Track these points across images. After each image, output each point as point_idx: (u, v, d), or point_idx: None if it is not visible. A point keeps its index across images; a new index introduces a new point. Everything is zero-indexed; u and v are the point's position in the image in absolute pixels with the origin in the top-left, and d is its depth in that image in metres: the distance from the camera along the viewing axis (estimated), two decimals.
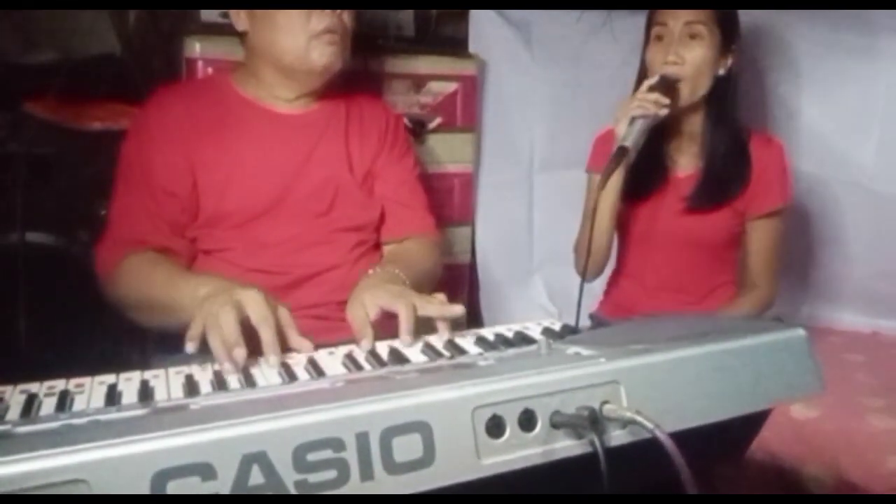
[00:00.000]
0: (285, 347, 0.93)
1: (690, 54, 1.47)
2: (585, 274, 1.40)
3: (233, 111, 1.30)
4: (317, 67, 1.27)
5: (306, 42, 1.25)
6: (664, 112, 1.43)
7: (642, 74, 1.55)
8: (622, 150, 1.39)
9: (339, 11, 1.26)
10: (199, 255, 1.26)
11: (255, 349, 0.90)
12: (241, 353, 0.85)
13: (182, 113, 1.27)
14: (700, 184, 1.55)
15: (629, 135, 1.40)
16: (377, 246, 1.38)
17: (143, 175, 1.24)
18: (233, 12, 1.31)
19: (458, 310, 0.97)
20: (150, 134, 1.26)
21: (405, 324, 0.95)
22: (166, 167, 1.23)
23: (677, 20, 1.48)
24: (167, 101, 1.30)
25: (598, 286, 1.74)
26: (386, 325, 0.98)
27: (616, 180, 1.47)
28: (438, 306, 0.98)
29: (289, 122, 1.32)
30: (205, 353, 0.89)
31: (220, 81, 1.36)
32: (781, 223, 1.57)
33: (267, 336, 0.89)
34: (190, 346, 0.90)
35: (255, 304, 0.91)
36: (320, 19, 1.24)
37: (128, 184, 1.25)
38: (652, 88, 1.44)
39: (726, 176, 1.54)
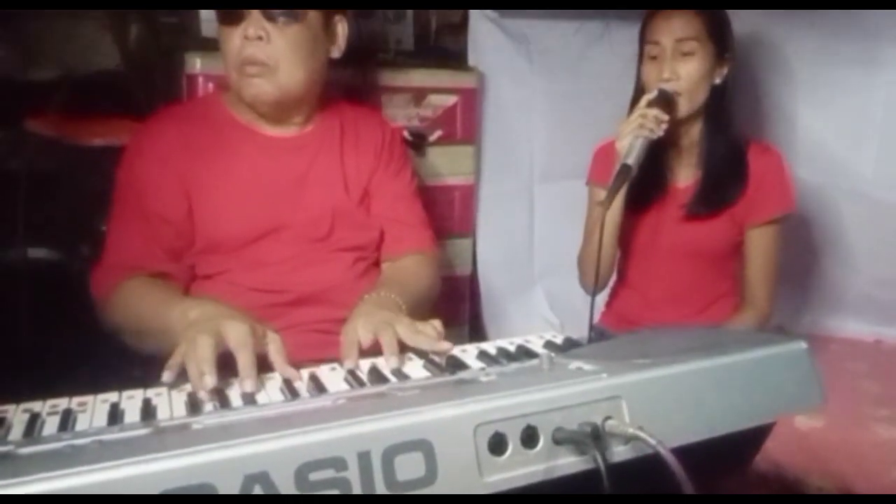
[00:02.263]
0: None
1: (685, 70, 1.48)
2: (595, 290, 1.39)
3: (225, 135, 1.28)
4: (247, 100, 1.24)
5: (237, 74, 1.21)
6: (664, 127, 1.44)
7: (639, 91, 1.56)
8: (626, 169, 1.39)
9: (266, 40, 1.18)
10: (196, 279, 1.25)
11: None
12: (209, 381, 0.84)
13: (175, 138, 1.25)
14: (698, 191, 1.56)
15: (631, 152, 1.41)
16: (378, 262, 1.37)
17: (137, 201, 1.23)
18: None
19: (446, 347, 0.96)
20: (144, 160, 1.24)
21: (388, 354, 0.95)
22: (161, 193, 1.22)
23: (669, 38, 1.49)
24: (160, 126, 1.28)
25: (600, 297, 1.74)
26: (375, 350, 0.98)
27: (619, 197, 1.47)
28: (428, 341, 0.97)
29: (282, 145, 1.30)
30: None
31: (213, 103, 1.33)
32: (780, 233, 1.57)
33: (243, 361, 0.88)
34: (167, 375, 0.88)
35: (234, 332, 0.90)
36: (240, 50, 1.19)
37: (123, 210, 1.24)
38: (651, 103, 1.44)
39: (724, 183, 1.54)
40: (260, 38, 1.19)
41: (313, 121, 1.34)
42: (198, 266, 1.25)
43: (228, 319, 0.93)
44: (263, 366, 0.93)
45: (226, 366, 0.88)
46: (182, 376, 0.87)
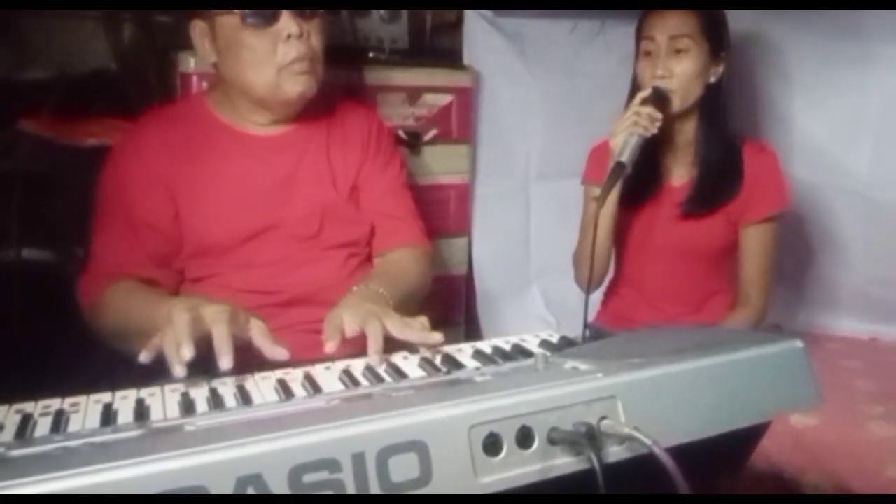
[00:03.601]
0: (266, 361, 0.93)
1: (679, 68, 1.48)
2: (589, 288, 1.40)
3: (210, 137, 1.27)
4: (291, 98, 1.23)
5: (275, 74, 1.21)
6: (658, 126, 1.44)
7: (635, 88, 1.56)
8: (620, 167, 1.40)
9: (306, 36, 1.20)
10: (185, 283, 1.25)
11: (248, 367, 0.89)
12: (186, 352, 0.84)
13: (159, 143, 1.24)
14: (694, 189, 1.56)
15: (625, 150, 1.41)
16: (370, 258, 1.36)
17: (122, 208, 1.22)
18: (199, 45, 1.26)
19: (438, 338, 0.95)
20: (128, 166, 1.24)
21: (372, 345, 0.94)
22: (146, 200, 1.22)
23: (663, 34, 1.49)
24: (143, 131, 1.27)
25: (596, 295, 1.74)
26: (361, 343, 0.97)
27: (614, 195, 1.48)
28: (417, 334, 0.96)
29: (268, 144, 1.29)
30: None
31: (196, 105, 1.32)
32: (775, 232, 1.57)
33: (218, 336, 0.87)
34: (144, 356, 0.88)
35: (210, 310, 0.90)
36: (287, 50, 1.20)
37: (108, 217, 1.23)
38: (645, 101, 1.45)
39: (719, 181, 1.55)
40: (301, 35, 1.20)
41: (298, 120, 1.32)
42: (187, 270, 1.24)
43: (209, 303, 0.93)
44: (259, 364, 0.92)
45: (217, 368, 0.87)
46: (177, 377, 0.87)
